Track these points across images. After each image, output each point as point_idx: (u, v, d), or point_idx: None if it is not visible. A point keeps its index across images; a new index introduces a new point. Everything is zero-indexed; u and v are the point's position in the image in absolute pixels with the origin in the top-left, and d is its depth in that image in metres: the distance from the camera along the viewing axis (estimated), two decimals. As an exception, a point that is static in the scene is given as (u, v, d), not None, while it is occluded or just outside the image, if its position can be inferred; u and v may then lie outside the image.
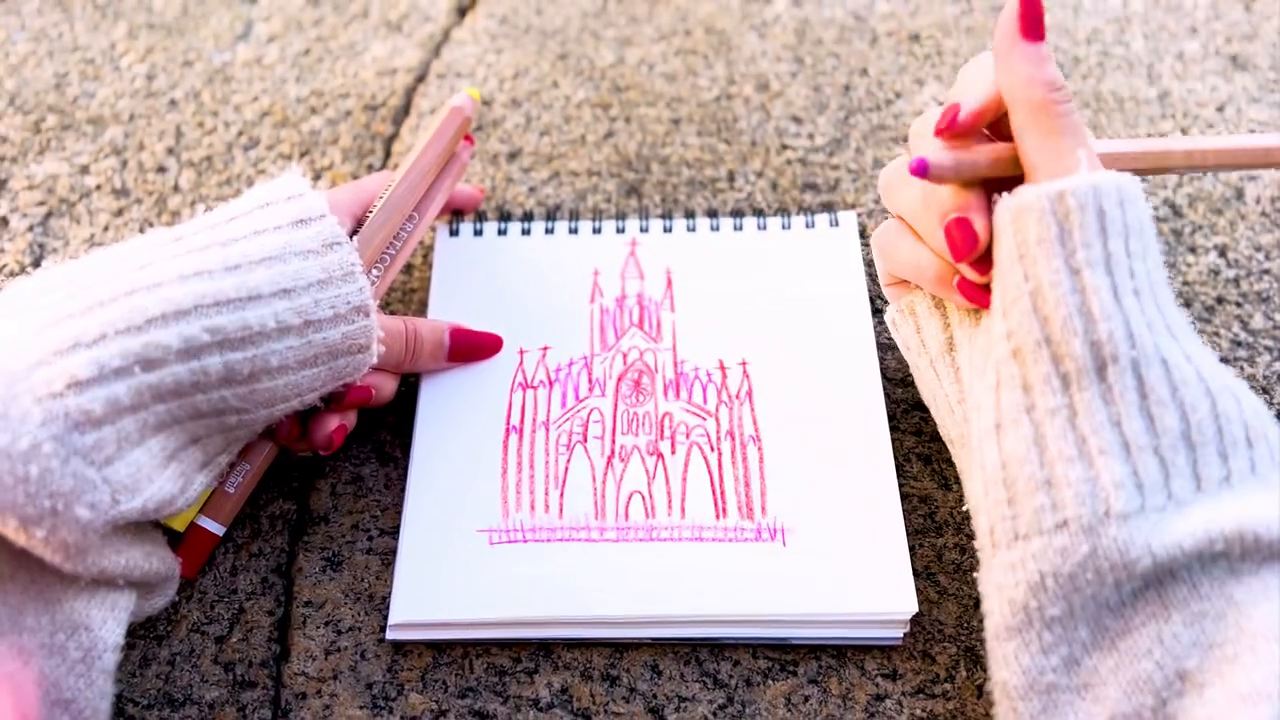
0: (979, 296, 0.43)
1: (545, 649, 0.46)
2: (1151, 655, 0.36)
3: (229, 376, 0.42)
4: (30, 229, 0.61)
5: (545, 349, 0.54)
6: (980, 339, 0.44)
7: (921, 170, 0.42)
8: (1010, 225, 0.40)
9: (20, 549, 0.38)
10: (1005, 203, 0.41)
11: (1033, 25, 0.41)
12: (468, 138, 0.57)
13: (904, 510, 0.49)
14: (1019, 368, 0.40)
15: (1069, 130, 0.41)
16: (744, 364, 0.53)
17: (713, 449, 0.50)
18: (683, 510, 0.48)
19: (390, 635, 0.46)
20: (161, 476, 0.41)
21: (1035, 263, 0.40)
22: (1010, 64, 0.42)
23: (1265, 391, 0.54)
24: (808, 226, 0.59)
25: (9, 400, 0.37)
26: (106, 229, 0.61)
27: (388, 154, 0.65)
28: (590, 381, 0.53)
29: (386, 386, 0.50)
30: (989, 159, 0.43)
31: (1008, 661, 0.39)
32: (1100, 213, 0.39)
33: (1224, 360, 0.55)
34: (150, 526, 0.45)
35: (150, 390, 0.40)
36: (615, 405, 0.52)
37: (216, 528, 0.48)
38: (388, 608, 0.47)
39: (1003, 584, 0.39)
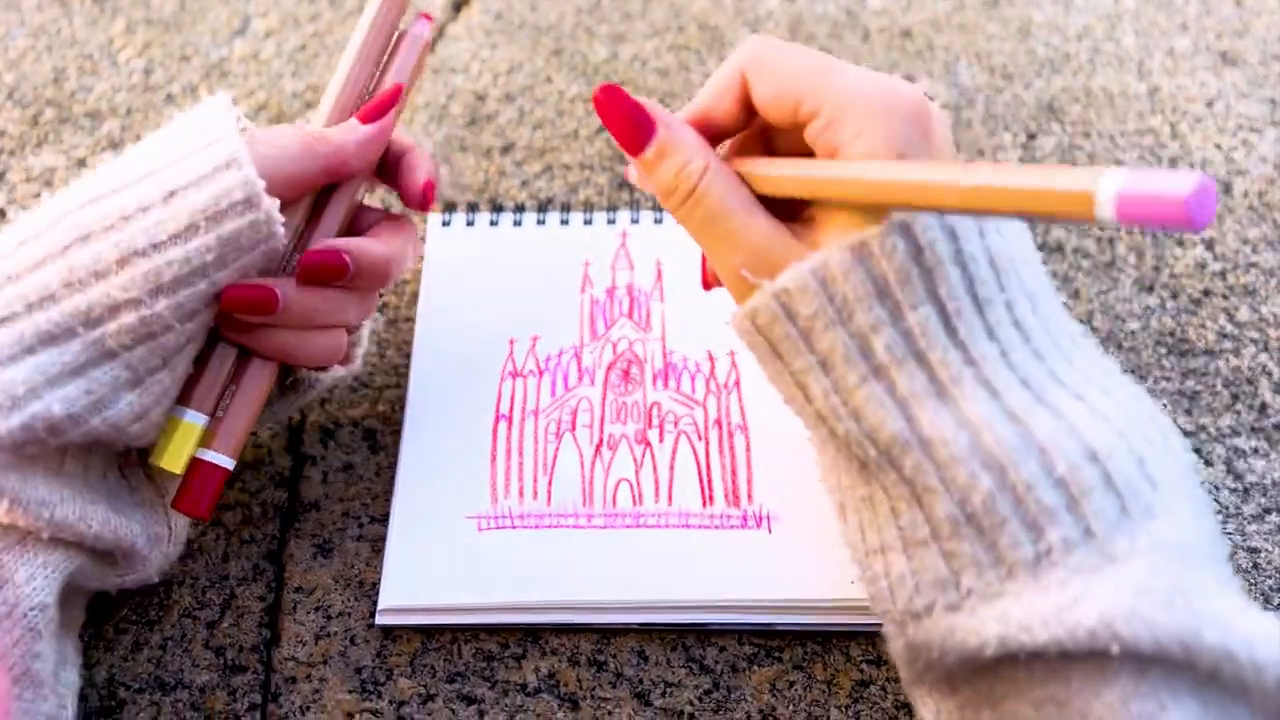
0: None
1: (533, 634, 0.47)
2: None
3: (98, 269, 0.39)
4: (27, 221, 0.62)
5: (535, 338, 0.54)
6: None
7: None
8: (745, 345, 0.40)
9: None
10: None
11: (632, 143, 0.40)
12: (426, 16, 0.50)
13: (890, 498, 0.49)
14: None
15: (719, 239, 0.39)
16: (732, 354, 0.53)
17: (700, 437, 0.51)
18: (670, 497, 0.49)
19: (379, 620, 0.46)
20: (55, 392, 0.39)
21: (770, 378, 0.40)
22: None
23: (1250, 383, 0.54)
24: (797, 219, 0.59)
25: None
26: (102, 221, 0.62)
27: (382, 148, 0.66)
28: (580, 371, 0.53)
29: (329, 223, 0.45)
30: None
31: (923, 701, 0.39)
32: (791, 317, 0.37)
33: (1208, 353, 0.56)
34: (126, 491, 0.44)
35: (19, 300, 0.39)
36: (604, 394, 0.52)
37: (222, 460, 0.44)
38: (377, 594, 0.47)
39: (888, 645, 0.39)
